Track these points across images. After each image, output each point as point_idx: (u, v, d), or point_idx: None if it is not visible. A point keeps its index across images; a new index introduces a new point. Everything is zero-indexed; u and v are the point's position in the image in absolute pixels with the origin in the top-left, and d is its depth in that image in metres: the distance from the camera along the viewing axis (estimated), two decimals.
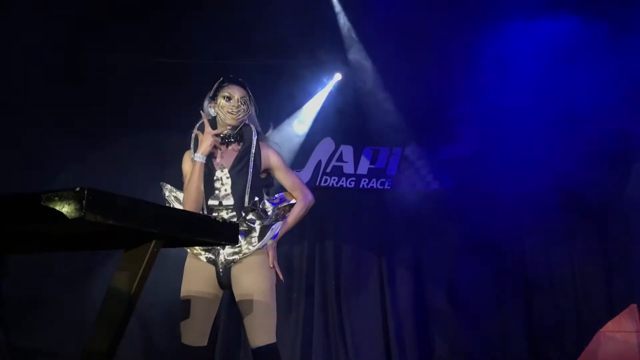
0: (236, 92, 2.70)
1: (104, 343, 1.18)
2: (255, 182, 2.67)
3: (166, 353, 4.76)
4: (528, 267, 5.39)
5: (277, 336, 5.01)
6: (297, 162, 5.36)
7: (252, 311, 2.52)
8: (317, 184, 5.36)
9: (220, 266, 2.60)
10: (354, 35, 5.18)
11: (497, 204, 5.07)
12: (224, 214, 2.63)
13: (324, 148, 5.43)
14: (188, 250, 2.68)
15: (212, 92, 2.74)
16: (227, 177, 2.65)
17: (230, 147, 2.73)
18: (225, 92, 2.70)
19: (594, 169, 4.79)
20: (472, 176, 5.28)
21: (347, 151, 5.47)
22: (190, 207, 2.59)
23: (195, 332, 2.56)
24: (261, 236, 2.62)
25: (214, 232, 1.35)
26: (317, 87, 5.36)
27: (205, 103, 2.76)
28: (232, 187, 2.63)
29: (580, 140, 4.69)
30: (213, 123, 2.73)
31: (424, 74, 5.00)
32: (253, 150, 2.69)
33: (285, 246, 5.21)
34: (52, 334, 4.70)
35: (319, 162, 5.40)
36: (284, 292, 5.03)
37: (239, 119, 2.68)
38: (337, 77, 5.39)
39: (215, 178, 2.65)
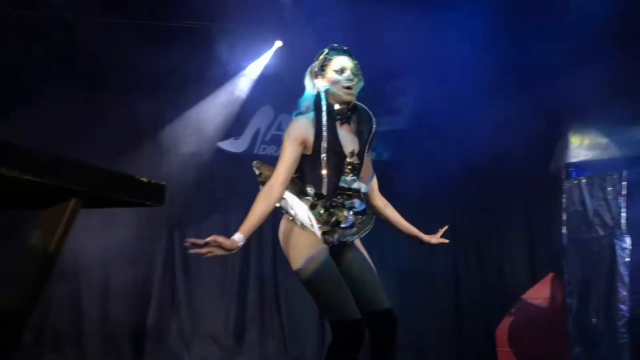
0: (348, 63, 2.41)
1: (17, 305, 1.14)
2: None
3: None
4: (457, 238, 5.58)
5: (210, 310, 4.98)
6: (235, 130, 5.29)
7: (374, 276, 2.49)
8: (255, 152, 5.32)
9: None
10: (296, 3, 5.10)
11: (431, 176, 5.20)
12: (354, 201, 2.40)
13: (263, 116, 5.39)
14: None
15: (317, 66, 2.42)
16: (357, 162, 2.37)
17: (344, 128, 2.42)
18: (337, 65, 2.40)
19: (524, 142, 4.98)
20: (409, 148, 5.38)
21: (286, 120, 5.45)
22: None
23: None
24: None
25: (138, 191, 1.31)
26: (257, 54, 5.27)
27: (307, 79, 2.44)
28: (361, 172, 2.39)
29: (513, 115, 4.86)
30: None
31: (364, 45, 5.00)
32: (373, 131, 2.42)
33: (220, 216, 5.17)
34: None
35: (258, 130, 5.36)
36: (220, 263, 5.00)
37: (355, 94, 2.42)
38: (278, 44, 5.31)
39: (347, 162, 2.36)
